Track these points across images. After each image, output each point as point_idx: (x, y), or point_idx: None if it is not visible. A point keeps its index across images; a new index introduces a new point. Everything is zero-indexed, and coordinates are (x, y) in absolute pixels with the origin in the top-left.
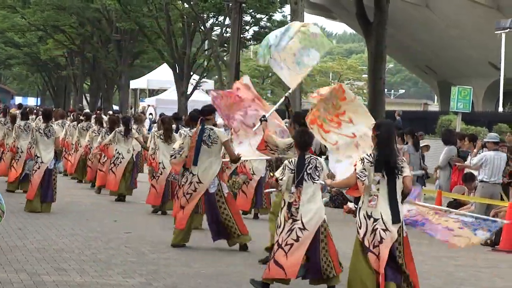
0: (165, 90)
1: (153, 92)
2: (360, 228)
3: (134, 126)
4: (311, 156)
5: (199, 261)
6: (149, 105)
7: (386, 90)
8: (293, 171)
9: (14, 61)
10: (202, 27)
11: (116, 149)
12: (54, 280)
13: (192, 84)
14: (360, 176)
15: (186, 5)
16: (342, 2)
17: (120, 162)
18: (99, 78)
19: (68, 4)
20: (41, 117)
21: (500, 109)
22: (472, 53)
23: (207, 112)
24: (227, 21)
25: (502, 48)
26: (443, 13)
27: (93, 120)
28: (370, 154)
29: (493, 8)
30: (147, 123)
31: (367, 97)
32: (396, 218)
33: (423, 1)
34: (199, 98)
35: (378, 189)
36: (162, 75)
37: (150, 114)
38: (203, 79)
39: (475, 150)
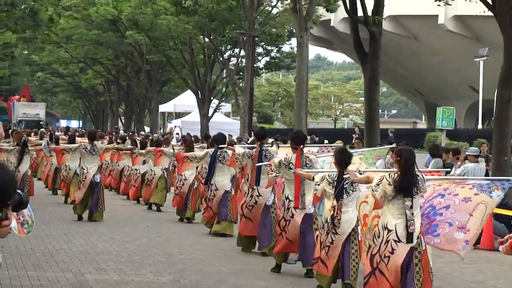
0: (189, 113)
1: (179, 115)
2: (378, 237)
3: (164, 146)
4: (346, 175)
5: (220, 261)
6: (175, 126)
7: (380, 110)
8: (330, 184)
9: (59, 89)
10: (220, 58)
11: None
12: (96, 279)
13: (212, 107)
14: (373, 189)
15: (206, 39)
16: (341, 35)
17: (152, 177)
18: (132, 103)
19: (105, 39)
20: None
21: (480, 126)
22: (455, 78)
23: (262, 136)
24: (242, 53)
25: (481, 73)
26: (429, 43)
27: (128, 141)
28: (391, 176)
29: (472, 39)
30: (173, 141)
31: (364, 117)
32: (410, 238)
33: (411, 33)
34: (218, 120)
35: (412, 214)
36: (186, 100)
37: (177, 134)
38: (222, 103)
39: (458, 163)
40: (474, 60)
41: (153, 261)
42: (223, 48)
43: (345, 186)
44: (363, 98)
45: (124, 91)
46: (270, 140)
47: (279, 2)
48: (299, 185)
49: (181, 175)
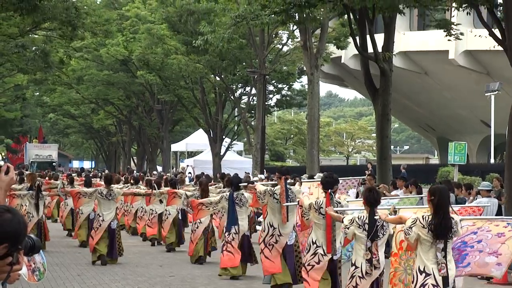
0: (202, 151)
1: (191, 154)
2: (412, 282)
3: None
4: (378, 214)
5: None
6: (188, 165)
7: (392, 146)
8: (361, 227)
9: (71, 130)
10: (232, 97)
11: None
12: None
13: (224, 146)
14: (406, 232)
15: (217, 78)
16: (352, 72)
17: (167, 218)
18: (145, 142)
19: (116, 80)
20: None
21: (492, 161)
22: (466, 112)
23: (285, 172)
24: (253, 91)
25: (492, 108)
26: (440, 78)
27: (143, 183)
28: (424, 217)
29: (483, 73)
30: (186, 180)
31: (376, 153)
32: (445, 282)
33: (422, 69)
34: (230, 158)
35: (444, 257)
36: (198, 139)
37: (189, 173)
38: (234, 142)
39: (471, 197)
40: (485, 94)
41: None
42: (234, 86)
43: (376, 230)
44: (374, 134)
45: (136, 131)
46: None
47: (290, 40)
48: (331, 230)
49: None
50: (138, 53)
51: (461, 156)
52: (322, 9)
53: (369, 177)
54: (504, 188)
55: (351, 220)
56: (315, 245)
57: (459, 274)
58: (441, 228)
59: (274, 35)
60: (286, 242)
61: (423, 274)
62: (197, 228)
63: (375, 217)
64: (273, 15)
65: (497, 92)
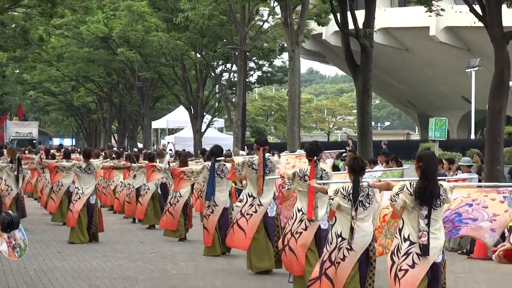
0: (182, 128)
1: (172, 131)
2: (399, 251)
3: (157, 160)
4: (363, 185)
5: (213, 275)
6: (168, 142)
7: (373, 123)
8: (346, 197)
9: (51, 108)
10: (212, 74)
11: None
12: None
13: (205, 123)
14: (392, 199)
15: (198, 55)
16: (333, 48)
17: (146, 192)
18: (125, 120)
19: (96, 57)
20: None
21: (472, 136)
22: (447, 88)
23: (263, 142)
24: (234, 68)
25: (473, 84)
26: (421, 55)
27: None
28: (412, 184)
29: (464, 49)
30: (167, 157)
31: (357, 129)
32: (425, 250)
33: (403, 46)
34: (211, 135)
35: (427, 224)
36: (179, 116)
37: (170, 150)
38: (215, 118)
39: (451, 173)
40: (466, 70)
41: (147, 277)
42: (215, 63)
43: (360, 199)
44: (355, 111)
45: (116, 108)
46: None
47: (270, 16)
48: (313, 196)
49: (175, 192)
50: (118, 30)
51: (442, 132)
52: None
53: (350, 153)
54: (484, 164)
55: (336, 190)
56: (301, 213)
57: (452, 237)
58: (426, 193)
59: (254, 12)
60: (267, 214)
61: (408, 242)
62: (177, 202)
63: (361, 184)
64: None
65: (477, 68)
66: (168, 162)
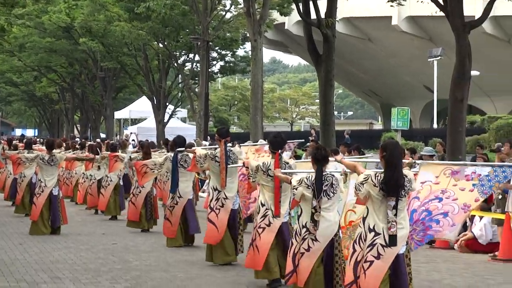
0: (145, 119)
1: (134, 121)
2: (364, 240)
3: (120, 150)
4: (327, 174)
5: (176, 267)
6: (131, 132)
7: (336, 112)
8: (309, 187)
9: (13, 98)
10: (175, 64)
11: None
12: None
13: (168, 113)
14: (357, 188)
15: (160, 45)
16: (296, 38)
17: (108, 184)
18: (88, 110)
19: (59, 47)
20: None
21: (435, 126)
22: (409, 78)
23: (225, 133)
24: (197, 58)
25: (435, 73)
26: (383, 44)
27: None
28: (376, 176)
29: (426, 39)
30: (130, 148)
31: (319, 119)
32: (393, 240)
33: (365, 35)
34: (174, 125)
35: (395, 215)
36: (142, 106)
37: (133, 140)
38: (178, 109)
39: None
40: (428, 60)
41: (109, 269)
42: (178, 53)
43: (324, 188)
44: (318, 101)
45: (79, 99)
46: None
47: (233, 6)
48: (279, 191)
49: (137, 181)
50: (80, 20)
51: (404, 121)
52: None
53: (312, 143)
54: (446, 153)
55: (300, 180)
56: (264, 207)
57: (419, 240)
58: (392, 184)
59: (217, 2)
60: (231, 207)
61: (373, 233)
62: (139, 193)
63: (324, 173)
64: None
65: (439, 57)
66: (130, 156)
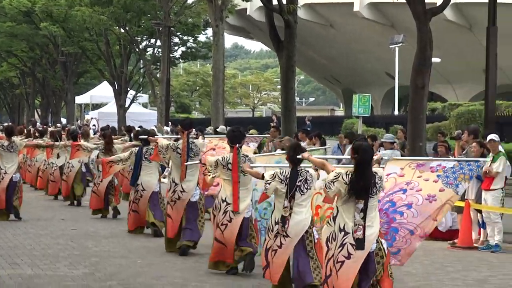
0: (106, 104)
1: (95, 106)
2: (334, 240)
3: (82, 140)
4: (302, 169)
5: (135, 253)
6: (92, 118)
7: (298, 98)
8: (283, 182)
9: None
10: (136, 49)
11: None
12: (9, 274)
13: (129, 98)
14: (327, 186)
15: (122, 30)
16: (258, 24)
17: (70, 170)
18: (49, 95)
19: (19, 31)
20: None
21: (396, 112)
22: (371, 64)
23: (188, 125)
24: (158, 43)
25: (396, 60)
26: (345, 30)
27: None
28: (347, 174)
29: (387, 25)
30: (91, 133)
31: (281, 105)
32: (360, 244)
33: (327, 21)
34: (135, 110)
35: (363, 218)
36: (103, 91)
37: (94, 125)
38: (139, 94)
39: (374, 149)
40: (390, 46)
41: (67, 254)
42: (139, 38)
43: (298, 184)
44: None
45: (40, 83)
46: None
47: None
48: (237, 186)
49: (100, 171)
50: (41, 5)
51: (365, 108)
52: None
53: (273, 129)
54: (407, 140)
55: (273, 175)
56: (225, 203)
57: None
58: (360, 187)
59: None
60: (189, 199)
61: (343, 233)
62: (101, 182)
63: (299, 168)
64: None
65: (401, 44)
66: (98, 155)
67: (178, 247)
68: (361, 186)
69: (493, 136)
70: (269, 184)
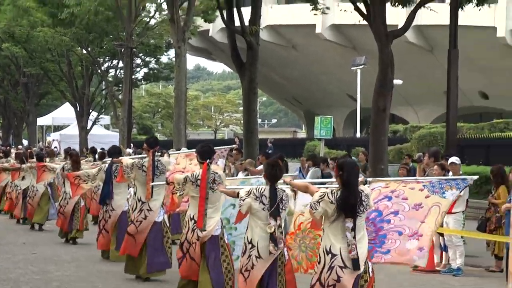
0: (68, 125)
1: (57, 128)
2: (318, 263)
3: (47, 159)
4: (278, 189)
5: (97, 277)
6: (54, 139)
7: (260, 120)
8: (258, 199)
9: None
10: (99, 70)
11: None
12: None
13: (91, 120)
14: (313, 207)
15: (84, 51)
16: (220, 45)
17: (35, 194)
18: (10, 116)
19: None
20: None
21: (358, 135)
22: (333, 86)
23: (154, 143)
24: (121, 64)
25: (358, 82)
26: (307, 52)
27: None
28: (333, 193)
29: (349, 47)
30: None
31: (243, 127)
32: (356, 264)
33: (289, 43)
34: (97, 132)
35: (354, 237)
36: (65, 113)
37: (55, 147)
38: (101, 116)
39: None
40: (352, 68)
41: (28, 279)
42: (101, 59)
43: (278, 202)
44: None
45: (1, 105)
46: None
47: (157, 13)
48: (203, 203)
49: (66, 193)
50: (3, 25)
51: (327, 130)
52: None
53: (236, 151)
54: (369, 162)
55: (248, 191)
56: (192, 221)
57: (377, 261)
58: (349, 205)
59: (141, 8)
60: (155, 220)
61: (330, 255)
62: (67, 203)
63: (277, 188)
64: None
65: (363, 66)
66: (63, 167)
67: (145, 278)
68: (351, 203)
69: (453, 159)
70: (243, 201)
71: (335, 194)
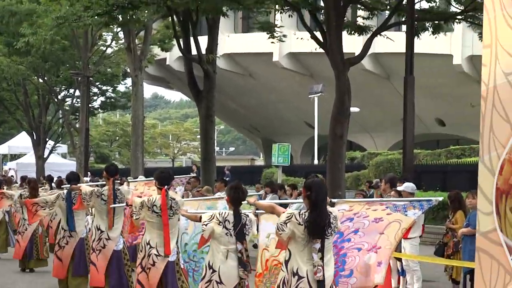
0: (25, 154)
1: (14, 157)
2: (286, 285)
3: (5, 187)
4: (241, 213)
5: None
6: (10, 168)
7: (218, 148)
8: (221, 224)
9: None
10: (55, 99)
11: None
12: None
13: (48, 148)
14: (279, 228)
15: (40, 80)
16: (177, 73)
17: None
18: None
19: None
20: None
21: (316, 161)
22: (291, 114)
23: (114, 171)
24: (77, 93)
25: (315, 110)
26: (265, 80)
27: None
28: (301, 214)
29: (306, 75)
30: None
31: (200, 155)
32: (321, 286)
33: (246, 71)
34: (54, 161)
35: (321, 258)
36: (21, 142)
37: (12, 176)
38: (58, 144)
39: (292, 198)
40: (309, 96)
41: None
42: (58, 88)
43: (242, 227)
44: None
45: None
46: None
47: (114, 41)
48: (167, 229)
49: (25, 219)
50: None
51: (285, 157)
52: (145, 11)
53: (194, 179)
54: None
55: (211, 216)
56: (148, 246)
57: None
58: (317, 226)
59: (98, 37)
60: (114, 249)
61: (296, 277)
62: (26, 230)
63: (240, 212)
64: (96, 17)
65: (320, 94)
66: (21, 194)
67: None
68: (319, 224)
69: (404, 187)
70: (206, 225)
71: (303, 216)
